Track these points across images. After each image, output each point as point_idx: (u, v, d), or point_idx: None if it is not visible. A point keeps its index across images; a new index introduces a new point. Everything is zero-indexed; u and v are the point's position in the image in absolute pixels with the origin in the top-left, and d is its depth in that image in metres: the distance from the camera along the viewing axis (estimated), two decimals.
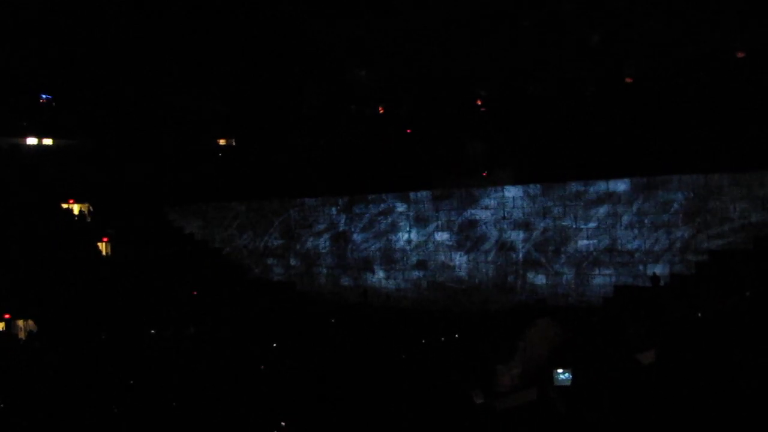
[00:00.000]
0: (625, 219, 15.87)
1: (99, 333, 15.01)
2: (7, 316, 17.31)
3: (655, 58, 18.94)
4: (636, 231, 15.72)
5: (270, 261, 22.33)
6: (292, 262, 21.82)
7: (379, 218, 19.85)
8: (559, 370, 5.40)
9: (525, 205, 17.30)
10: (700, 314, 11.28)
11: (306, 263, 21.51)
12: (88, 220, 23.80)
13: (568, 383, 5.37)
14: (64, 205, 23.94)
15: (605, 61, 19.79)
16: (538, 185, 17.14)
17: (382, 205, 19.82)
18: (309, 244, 21.39)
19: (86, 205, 24.36)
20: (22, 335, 17.32)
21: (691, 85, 17.32)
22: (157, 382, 10.98)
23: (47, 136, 26.82)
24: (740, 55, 18.00)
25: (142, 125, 26.71)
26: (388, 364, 11.54)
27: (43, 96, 27.73)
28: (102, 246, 21.92)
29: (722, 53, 18.03)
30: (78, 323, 15.89)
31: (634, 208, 15.76)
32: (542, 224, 17.03)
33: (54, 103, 28.01)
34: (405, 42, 23.71)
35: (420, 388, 8.94)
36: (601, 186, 16.20)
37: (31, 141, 26.54)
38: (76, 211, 24.13)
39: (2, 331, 17.22)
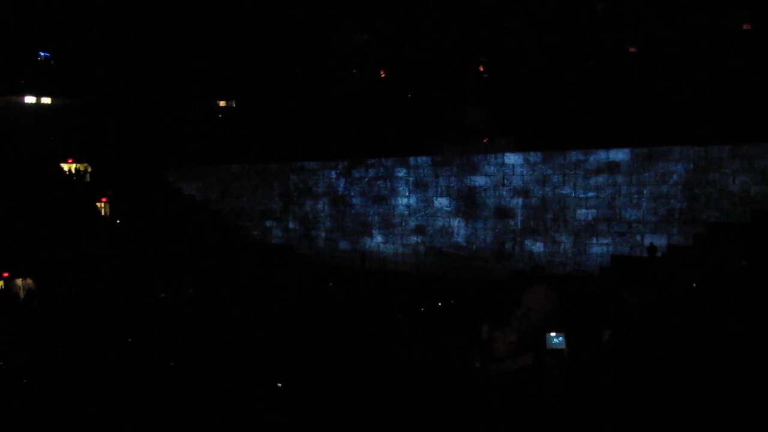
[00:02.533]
0: (624, 189, 15.90)
1: (98, 293, 15.07)
2: (5, 274, 17.38)
3: (659, 28, 18.79)
4: (635, 201, 15.76)
5: (269, 224, 22.39)
6: (291, 225, 21.88)
7: (379, 182, 19.86)
8: (552, 334, 5.44)
9: (524, 172, 17.32)
10: (695, 284, 11.38)
11: (304, 226, 21.58)
12: (87, 179, 23.80)
13: (562, 347, 5.43)
14: (64, 165, 23.92)
15: (609, 30, 19.63)
16: (539, 153, 17.14)
17: (382, 170, 19.83)
18: (308, 208, 21.43)
19: (85, 164, 24.33)
20: (21, 294, 17.41)
21: (695, 56, 17.22)
22: (155, 342, 11.07)
23: (46, 95, 26.67)
24: (746, 27, 17.86)
25: (142, 85, 26.54)
26: (385, 329, 11.64)
27: (42, 54, 27.48)
28: (101, 206, 21.95)
29: (728, 25, 17.90)
30: (77, 283, 15.96)
31: (634, 178, 15.78)
32: (541, 192, 17.06)
33: (52, 61, 27.77)
34: (408, 6, 23.48)
35: (416, 353, 9.03)
36: (601, 155, 16.21)
37: (29, 99, 26.39)
38: (75, 171, 24.12)
39: (1, 289, 17.31)
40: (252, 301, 14.50)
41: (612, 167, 16.05)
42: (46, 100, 26.67)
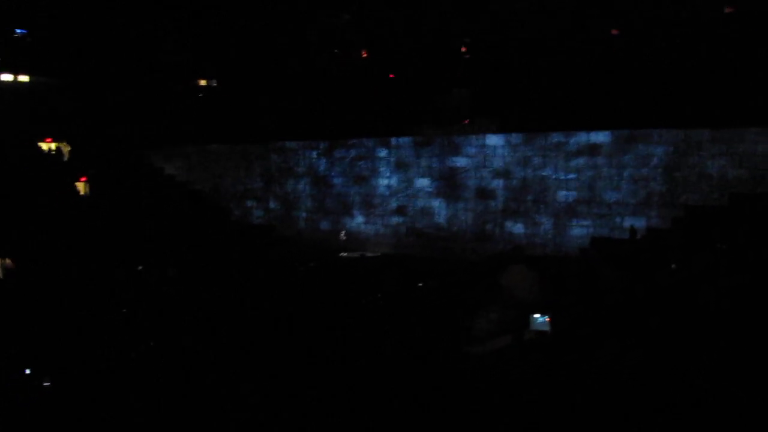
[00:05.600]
0: (605, 171, 15.98)
1: (79, 273, 14.95)
2: None
3: (642, 11, 18.81)
4: (615, 183, 15.86)
5: (250, 203, 22.30)
6: (272, 205, 21.82)
7: (360, 163, 19.83)
8: (536, 315, 5.47)
9: (506, 154, 17.35)
10: (673, 265, 11.50)
11: (285, 207, 21.52)
12: (65, 159, 23.51)
13: (546, 328, 5.46)
14: (42, 144, 23.61)
15: (592, 12, 19.62)
16: (520, 135, 17.16)
17: (363, 150, 19.79)
18: (289, 188, 21.37)
19: (64, 144, 24.03)
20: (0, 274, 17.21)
21: (677, 39, 17.26)
22: (136, 323, 11.04)
23: (23, 73, 26.24)
24: (728, 10, 17.92)
25: (122, 64, 26.20)
26: (364, 309, 11.68)
27: (18, 30, 26.99)
28: (80, 186, 21.70)
29: (711, 8, 17.93)
30: (56, 262, 15.82)
31: (614, 160, 15.86)
32: (522, 174, 17.12)
33: (29, 39, 27.28)
34: None
35: (396, 333, 9.07)
36: (582, 137, 16.26)
37: (6, 77, 25.94)
38: (54, 150, 23.81)
39: None
40: (232, 282, 14.48)
41: (593, 149, 16.12)
42: (24, 78, 26.24)
